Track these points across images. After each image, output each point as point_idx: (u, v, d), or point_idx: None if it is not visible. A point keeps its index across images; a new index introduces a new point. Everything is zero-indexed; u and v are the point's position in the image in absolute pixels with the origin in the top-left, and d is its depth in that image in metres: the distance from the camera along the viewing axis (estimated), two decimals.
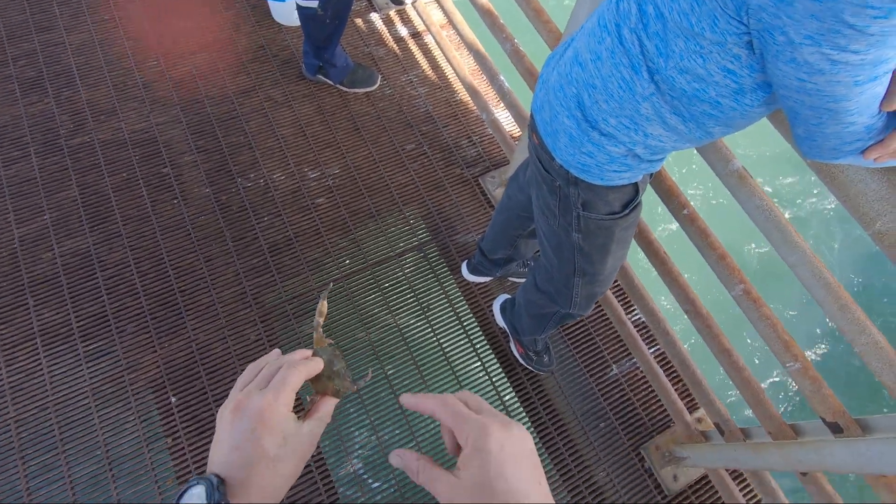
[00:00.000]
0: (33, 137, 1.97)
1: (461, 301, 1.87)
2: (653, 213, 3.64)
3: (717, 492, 1.65)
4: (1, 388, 1.58)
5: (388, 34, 2.42)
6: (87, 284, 1.74)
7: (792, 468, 1.21)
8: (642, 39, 0.75)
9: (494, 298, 1.85)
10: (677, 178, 3.80)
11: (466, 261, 1.88)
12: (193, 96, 2.12)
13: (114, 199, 1.88)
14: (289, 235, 1.90)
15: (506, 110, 2.26)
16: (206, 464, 1.53)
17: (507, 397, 1.75)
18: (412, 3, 2.44)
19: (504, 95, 1.89)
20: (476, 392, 1.75)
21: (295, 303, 1.79)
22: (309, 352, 0.52)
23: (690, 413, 1.69)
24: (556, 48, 1.09)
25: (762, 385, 3.17)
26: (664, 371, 1.73)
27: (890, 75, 0.61)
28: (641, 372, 1.81)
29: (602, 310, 1.89)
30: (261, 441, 0.43)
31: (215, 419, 1.54)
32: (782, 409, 3.29)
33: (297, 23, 2.33)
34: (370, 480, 1.59)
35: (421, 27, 2.45)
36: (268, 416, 0.43)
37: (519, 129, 2.19)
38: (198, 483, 0.41)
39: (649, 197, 1.34)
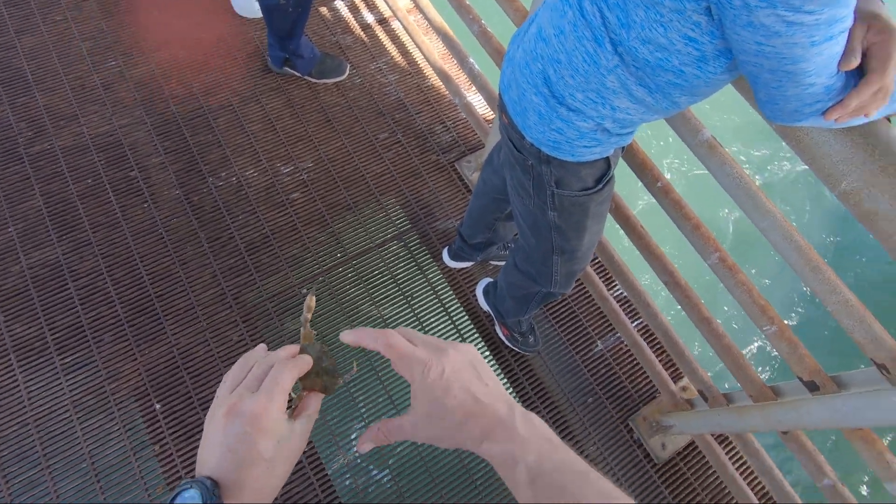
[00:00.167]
0: None
1: (444, 288, 1.87)
2: (632, 187, 3.67)
3: (704, 456, 1.69)
4: None
5: (354, 21, 2.37)
6: (59, 296, 1.69)
7: (773, 428, 1.25)
8: (603, 11, 0.75)
9: (477, 283, 1.85)
10: (653, 153, 3.83)
11: (447, 247, 1.87)
12: (156, 96, 2.06)
13: (80, 206, 1.83)
14: (265, 233, 1.87)
15: (478, 93, 2.24)
16: (194, 470, 1.51)
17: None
18: None
19: (475, 78, 1.87)
20: None
21: (276, 300, 1.77)
22: (296, 348, 0.52)
23: (675, 382, 1.72)
24: (521, 25, 1.08)
25: (744, 351, 3.24)
26: (648, 343, 1.76)
27: (846, 35, 0.61)
28: (626, 346, 1.83)
29: (584, 287, 1.90)
30: (255, 445, 0.43)
31: (201, 424, 1.52)
32: (766, 373, 3.38)
33: (260, 14, 2.27)
34: (371, 468, 1.59)
35: (387, 13, 2.40)
36: (262, 419, 0.43)
37: (492, 112, 2.17)
38: (191, 486, 0.40)
39: (625, 172, 1.35)
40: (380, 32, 2.36)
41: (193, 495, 0.40)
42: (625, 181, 1.42)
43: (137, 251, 1.78)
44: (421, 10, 2.03)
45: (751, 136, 4.09)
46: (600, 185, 1.03)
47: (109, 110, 2.01)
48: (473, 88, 2.26)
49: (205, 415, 1.58)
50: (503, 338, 1.77)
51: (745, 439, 1.46)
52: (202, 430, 1.49)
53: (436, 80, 2.28)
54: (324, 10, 2.36)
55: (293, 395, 0.49)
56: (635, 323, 1.87)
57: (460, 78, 2.26)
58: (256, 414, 0.43)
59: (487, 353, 1.79)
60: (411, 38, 2.28)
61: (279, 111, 2.11)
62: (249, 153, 2.01)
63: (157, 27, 2.20)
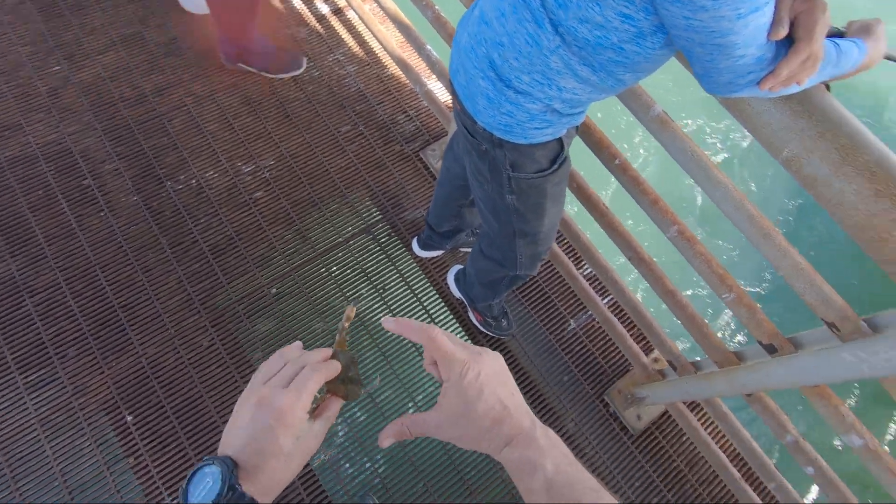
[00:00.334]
0: None
1: (416, 278, 1.87)
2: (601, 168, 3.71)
3: (677, 424, 1.74)
4: None
5: (308, 13, 2.32)
6: (16, 313, 1.63)
7: (737, 392, 1.29)
8: None
9: (448, 271, 1.86)
10: (622, 127, 3.86)
11: (416, 237, 1.87)
12: (105, 100, 1.99)
13: (32, 219, 1.76)
14: (230, 234, 1.83)
15: (438, 80, 2.23)
16: (173, 478, 1.49)
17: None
18: None
19: (433, 65, 1.85)
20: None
21: (245, 302, 1.74)
22: (329, 352, 0.54)
23: (646, 355, 1.76)
24: (467, 9, 1.07)
25: (722, 320, 3.32)
26: (618, 319, 1.79)
27: (773, 5, 0.62)
28: (597, 322, 1.87)
29: (554, 267, 1.92)
30: (277, 438, 0.45)
31: (176, 432, 1.49)
32: (738, 339, 3.49)
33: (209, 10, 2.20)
34: (363, 460, 1.59)
35: (342, 2, 2.36)
36: (287, 416, 0.46)
37: None
38: (213, 462, 0.44)
39: (585, 151, 1.36)
40: (335, 23, 2.32)
41: (214, 472, 0.43)
42: (588, 160, 1.43)
43: (97, 261, 1.73)
44: None
45: (717, 109, 4.17)
46: (555, 166, 1.04)
47: (56, 117, 1.93)
48: (433, 76, 2.24)
49: (179, 424, 1.56)
50: (477, 323, 1.78)
51: (714, 404, 1.51)
52: (177, 439, 1.47)
53: (395, 69, 2.25)
54: (277, 2, 2.30)
55: (317, 395, 0.51)
56: (605, 300, 1.90)
57: (420, 66, 2.24)
58: (283, 410, 0.46)
59: (466, 339, 1.80)
60: (367, 27, 2.24)
61: (236, 109, 2.06)
62: (208, 154, 1.96)
63: (101, 29, 2.12)
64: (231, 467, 0.43)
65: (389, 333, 1.78)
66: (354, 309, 0.57)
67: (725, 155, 4.04)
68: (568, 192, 1.48)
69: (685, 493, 1.69)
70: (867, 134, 0.78)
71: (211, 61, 2.12)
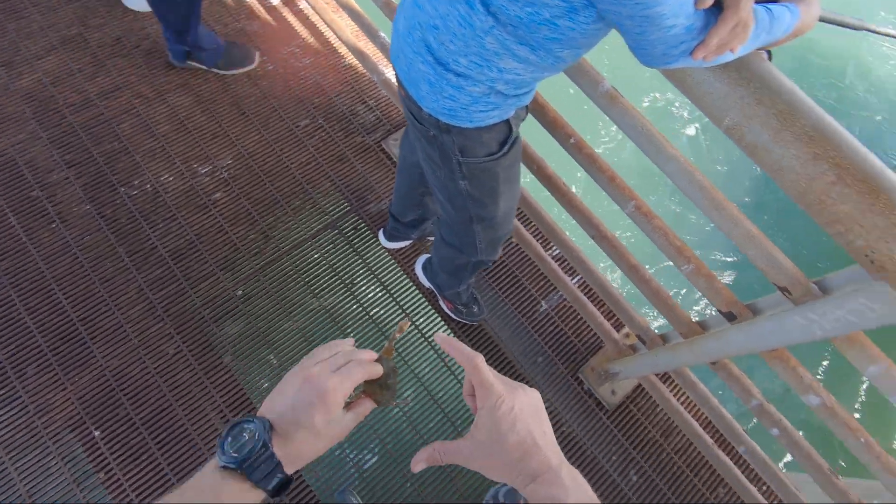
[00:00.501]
0: None
1: (384, 270, 1.85)
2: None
3: (650, 396, 1.77)
4: None
5: (258, 6, 2.25)
6: None
7: (702, 360, 1.31)
8: None
9: (416, 260, 1.84)
10: (586, 109, 3.87)
11: (382, 229, 1.84)
12: (49, 107, 1.91)
13: None
14: (190, 238, 1.78)
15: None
16: (147, 490, 1.46)
17: (447, 355, 1.77)
18: None
19: (388, 53, 1.82)
20: (415, 355, 1.76)
21: (211, 306, 1.70)
22: (375, 355, 0.57)
23: (617, 331, 1.78)
24: None
25: (698, 293, 3.37)
26: (588, 298, 1.80)
27: None
28: (568, 302, 1.88)
29: (522, 250, 1.93)
30: (314, 415, 0.49)
31: (147, 444, 1.46)
32: (713, 311, 3.55)
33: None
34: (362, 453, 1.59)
35: None
36: (328, 397, 0.49)
37: None
38: (253, 420, 0.48)
39: (541, 131, 1.35)
40: (287, 14, 2.25)
41: (252, 429, 0.48)
42: (546, 141, 1.42)
43: (52, 275, 1.67)
44: None
45: (656, 84, 4.18)
46: (505, 149, 1.03)
47: None
48: (390, 64, 2.20)
49: (149, 435, 1.53)
50: (448, 311, 1.77)
51: (683, 374, 1.53)
52: (148, 450, 1.44)
53: (352, 59, 2.20)
54: None
55: (353, 391, 0.54)
56: (575, 280, 1.91)
57: (376, 54, 2.19)
58: (326, 391, 0.49)
59: (434, 330, 1.80)
60: (320, 17, 2.19)
61: (189, 109, 1.99)
62: (162, 157, 1.90)
63: (39, 32, 2.02)
64: (267, 428, 0.48)
65: (361, 320, 1.76)
66: (409, 323, 0.59)
67: (696, 126, 4.07)
68: (528, 173, 1.48)
69: (662, 463, 1.72)
70: (803, 98, 0.79)
71: (159, 61, 2.05)
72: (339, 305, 1.78)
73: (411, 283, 1.84)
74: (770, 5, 0.76)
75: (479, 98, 0.89)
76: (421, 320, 1.80)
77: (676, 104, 4.22)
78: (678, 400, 1.74)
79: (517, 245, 1.93)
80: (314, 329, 1.73)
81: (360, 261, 1.85)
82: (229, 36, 2.15)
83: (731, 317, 1.16)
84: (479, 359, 0.51)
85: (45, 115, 1.89)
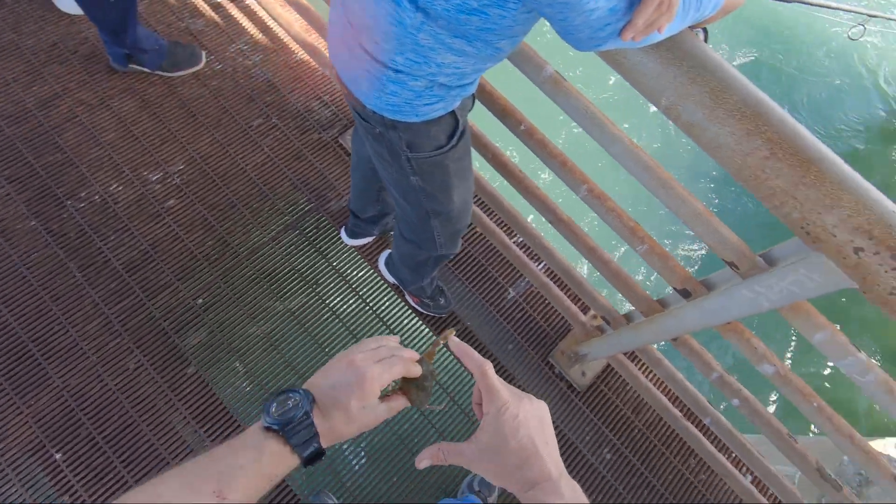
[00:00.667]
0: None
1: (350, 267, 1.83)
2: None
3: (620, 375, 1.80)
4: None
5: (202, 3, 2.17)
6: None
7: (664, 337, 1.33)
8: None
9: (379, 256, 1.82)
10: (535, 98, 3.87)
11: (344, 226, 1.82)
12: None
13: None
14: (144, 248, 1.73)
15: None
16: None
17: (417, 349, 1.77)
18: None
19: None
20: None
21: (171, 317, 1.66)
22: (418, 355, 0.59)
23: (584, 314, 1.80)
24: None
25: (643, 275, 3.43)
26: (554, 283, 1.81)
27: None
28: (535, 288, 1.89)
29: (486, 239, 1.92)
30: (351, 398, 0.52)
31: (112, 463, 1.42)
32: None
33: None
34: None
35: None
36: (367, 383, 0.52)
37: None
38: (299, 391, 0.52)
39: (492, 119, 1.34)
40: (233, 11, 2.18)
41: (297, 397, 0.51)
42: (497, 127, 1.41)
43: None
44: None
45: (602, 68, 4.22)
46: (454, 141, 1.01)
47: None
48: None
49: (114, 453, 1.49)
50: (414, 305, 1.77)
51: (648, 351, 1.56)
52: (113, 468, 1.41)
53: (303, 55, 2.15)
54: None
55: (391, 386, 0.56)
56: (540, 265, 1.92)
57: (327, 48, 2.14)
58: (366, 377, 0.52)
59: (402, 324, 1.79)
60: (267, 12, 2.13)
61: (135, 114, 1.92)
62: (109, 166, 1.83)
63: None
64: (311, 400, 0.51)
65: (327, 320, 1.74)
66: (454, 331, 0.61)
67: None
68: (483, 160, 1.47)
69: (634, 439, 1.76)
70: (735, 75, 0.79)
71: (100, 66, 1.97)
72: (305, 307, 1.75)
73: (378, 279, 1.83)
74: None
75: (421, 92, 0.88)
76: (389, 316, 1.79)
77: None
78: (646, 376, 1.77)
79: (481, 234, 1.93)
80: (280, 333, 1.70)
81: (323, 260, 1.82)
82: (172, 36, 2.07)
83: (685, 294, 1.18)
84: (488, 366, 0.53)
85: None
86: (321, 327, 1.74)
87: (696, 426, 1.73)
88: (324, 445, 0.51)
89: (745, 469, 1.75)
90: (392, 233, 1.86)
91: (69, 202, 1.75)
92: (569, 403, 1.77)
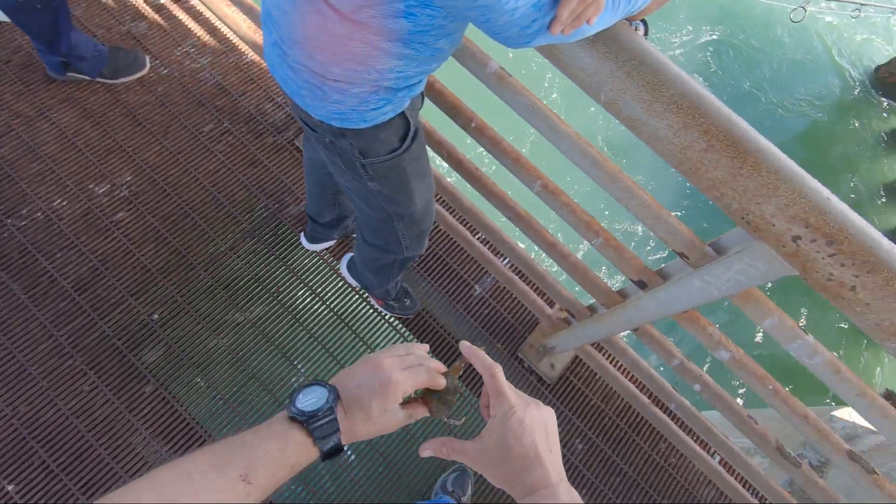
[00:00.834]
0: None
1: (311, 273, 1.79)
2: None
3: (588, 365, 1.81)
4: None
5: (144, 5, 2.08)
6: None
7: (625, 327, 1.34)
8: None
9: (340, 260, 1.79)
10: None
11: (303, 231, 1.78)
12: None
13: None
14: (93, 265, 1.66)
15: None
16: None
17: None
18: None
19: None
20: (353, 355, 1.72)
21: (125, 336, 1.60)
22: (443, 368, 0.59)
23: (551, 307, 1.80)
24: None
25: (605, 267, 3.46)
26: (519, 278, 1.81)
27: None
28: (501, 284, 1.88)
29: (450, 237, 1.91)
30: (373, 400, 0.53)
31: (69, 490, 1.37)
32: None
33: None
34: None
35: None
36: (390, 388, 0.53)
37: None
38: (324, 386, 0.53)
39: (443, 118, 1.32)
40: (177, 12, 2.10)
41: (322, 391, 0.52)
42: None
43: None
44: None
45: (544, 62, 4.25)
46: (407, 142, 0.98)
47: None
48: None
49: (70, 480, 1.43)
50: (379, 307, 1.74)
51: (613, 342, 1.57)
52: (71, 496, 1.36)
53: (253, 55, 2.09)
54: None
55: (414, 394, 0.57)
56: (505, 261, 1.91)
57: None
58: (390, 382, 0.53)
59: (368, 327, 1.76)
60: (213, 13, 2.06)
61: (76, 125, 1.83)
62: (52, 180, 1.74)
63: None
64: (336, 396, 0.52)
65: (291, 327, 1.70)
66: (483, 348, 0.61)
67: None
68: (440, 160, 1.45)
69: (605, 428, 1.77)
70: (670, 67, 0.79)
71: (36, 75, 1.87)
72: (268, 316, 1.71)
73: (341, 283, 1.79)
74: None
75: (366, 98, 0.85)
76: (354, 320, 1.76)
77: None
78: (613, 366, 1.79)
79: (445, 232, 1.91)
80: (242, 344, 1.66)
81: (284, 267, 1.78)
82: (114, 41, 1.98)
83: (642, 285, 1.18)
84: (498, 369, 0.54)
85: None
86: (285, 336, 1.70)
87: (664, 412, 1.75)
88: (344, 442, 0.52)
89: (712, 450, 1.79)
90: (354, 235, 1.83)
91: (9, 220, 1.67)
92: (539, 396, 1.77)
